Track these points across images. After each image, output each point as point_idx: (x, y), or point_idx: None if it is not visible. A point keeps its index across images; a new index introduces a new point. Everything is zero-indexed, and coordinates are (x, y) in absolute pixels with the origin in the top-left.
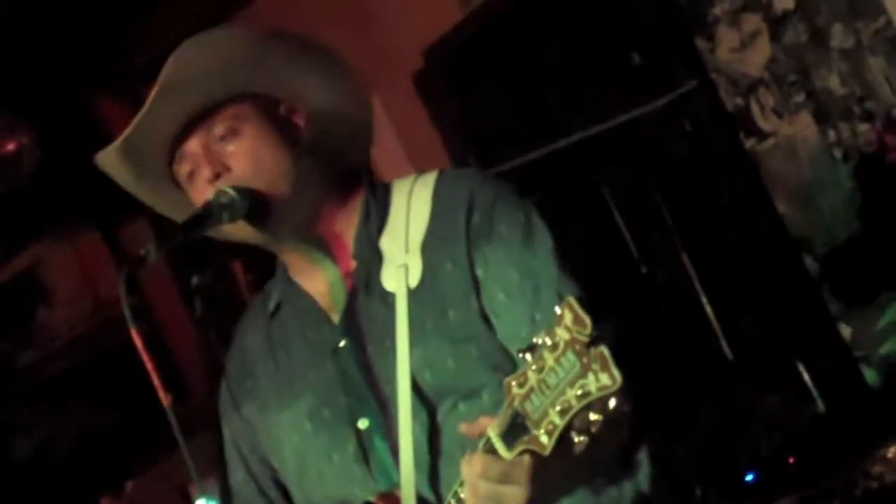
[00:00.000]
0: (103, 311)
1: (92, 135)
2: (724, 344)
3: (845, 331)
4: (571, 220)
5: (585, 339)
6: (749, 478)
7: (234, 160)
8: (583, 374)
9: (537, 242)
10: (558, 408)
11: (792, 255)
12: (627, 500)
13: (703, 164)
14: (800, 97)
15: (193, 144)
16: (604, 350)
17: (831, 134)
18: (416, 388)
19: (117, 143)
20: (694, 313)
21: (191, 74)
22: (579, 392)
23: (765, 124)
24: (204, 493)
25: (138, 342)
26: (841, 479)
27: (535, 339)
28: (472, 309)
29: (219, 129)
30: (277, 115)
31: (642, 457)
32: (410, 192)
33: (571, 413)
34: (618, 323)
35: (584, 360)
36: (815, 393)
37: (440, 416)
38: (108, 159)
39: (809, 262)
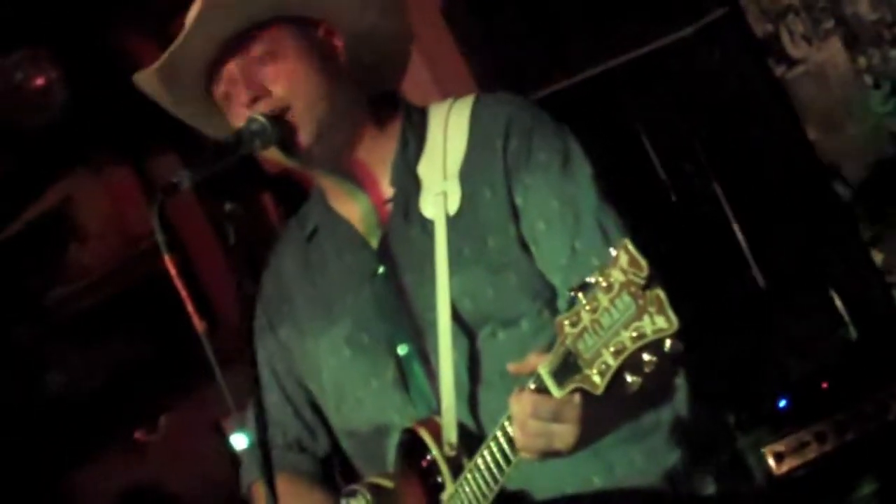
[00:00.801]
0: (134, 245)
1: (120, 69)
2: (756, 271)
3: (877, 256)
4: (600, 149)
5: (641, 282)
6: (782, 404)
7: (273, 82)
8: (638, 317)
9: (576, 169)
10: (612, 349)
11: (823, 182)
12: (665, 424)
13: (732, 92)
14: (829, 23)
15: (231, 66)
16: (660, 293)
17: (861, 60)
18: (456, 316)
19: (156, 65)
20: (726, 241)
21: (216, 8)
22: (634, 334)
23: (794, 51)
24: (239, 427)
25: (172, 270)
26: (873, 403)
27: (587, 279)
28: (511, 236)
29: (257, 50)
30: (316, 37)
31: (680, 382)
32: (447, 118)
33: (626, 354)
34: (649, 250)
35: (640, 302)
36: (847, 318)
37: (479, 343)
38: (147, 81)
39: (840, 189)
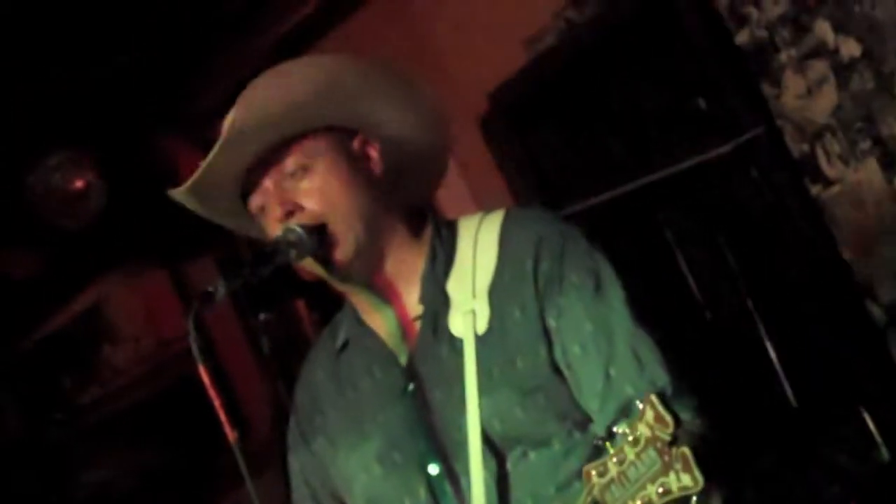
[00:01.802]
0: (166, 350)
1: (158, 173)
2: (788, 389)
3: None
4: (636, 264)
5: (667, 438)
6: None
7: (306, 198)
8: (664, 472)
9: (609, 292)
10: (639, 502)
11: (856, 302)
12: None
13: (768, 210)
14: (866, 144)
15: (265, 180)
16: (686, 451)
17: None
18: (486, 437)
19: (188, 183)
20: (758, 358)
21: (260, 116)
22: (660, 489)
23: (830, 171)
24: None
25: (206, 378)
26: None
27: (615, 428)
28: (541, 358)
29: (290, 165)
30: (351, 148)
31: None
32: (476, 233)
33: None
34: (682, 365)
35: (666, 458)
36: (879, 440)
37: (510, 465)
38: (182, 197)
39: (874, 310)
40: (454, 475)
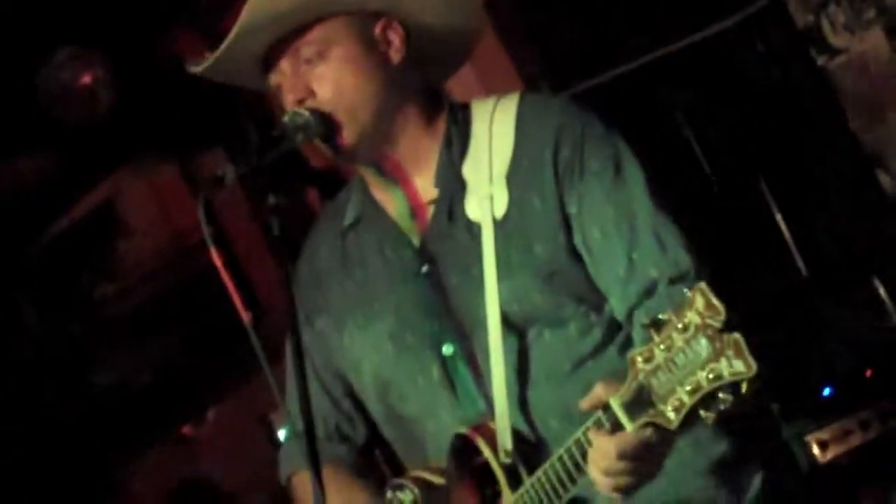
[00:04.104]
0: (180, 241)
1: (166, 68)
2: (799, 261)
3: None
4: (644, 141)
5: (718, 325)
6: (826, 392)
7: (319, 84)
8: (715, 358)
9: (630, 177)
10: (688, 387)
11: (866, 171)
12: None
13: (774, 83)
14: (870, 13)
15: (282, 61)
16: (738, 338)
17: None
18: (503, 318)
19: (205, 65)
20: (769, 231)
21: (274, 9)
22: (711, 375)
23: (836, 41)
24: (287, 422)
25: (218, 262)
26: None
27: (661, 315)
28: (560, 244)
29: (306, 51)
30: (371, 33)
31: None
32: (492, 118)
33: (702, 393)
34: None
35: (717, 344)
36: (891, 307)
37: (527, 343)
38: (202, 72)
39: (883, 178)
40: (469, 355)
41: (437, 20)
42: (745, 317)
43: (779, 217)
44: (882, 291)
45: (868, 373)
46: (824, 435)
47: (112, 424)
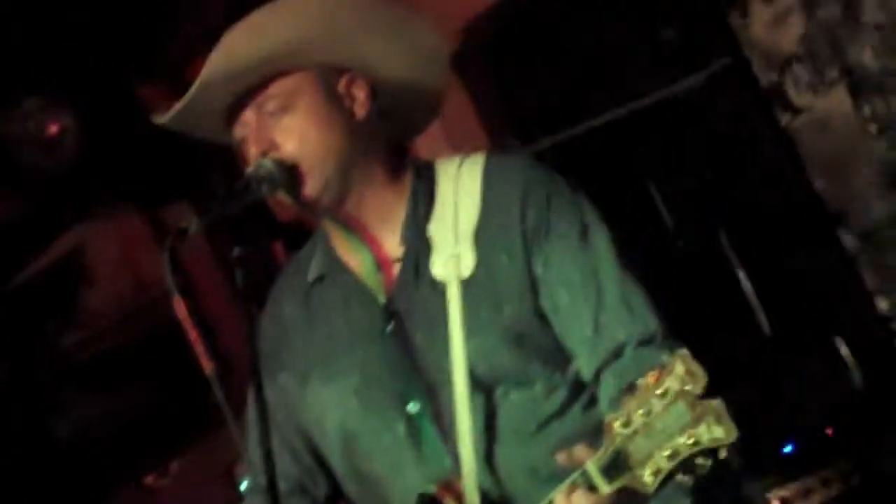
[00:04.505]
0: (145, 292)
1: (133, 116)
2: (761, 319)
3: (882, 304)
4: (607, 197)
5: (699, 392)
6: (787, 449)
7: (282, 136)
8: (694, 424)
9: (596, 239)
10: (666, 452)
11: (828, 230)
12: None
13: (738, 140)
14: (833, 72)
15: (247, 114)
16: (718, 403)
17: (866, 109)
18: (470, 377)
19: (168, 115)
20: (731, 288)
21: (239, 62)
22: (690, 441)
23: (799, 100)
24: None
25: (181, 312)
26: (878, 449)
27: (639, 381)
28: (528, 305)
29: (270, 104)
30: (335, 88)
31: None
32: (458, 177)
33: (680, 458)
34: (655, 296)
35: (697, 410)
36: (852, 365)
37: (493, 402)
38: (166, 123)
39: (845, 237)
40: (435, 413)
41: (403, 76)
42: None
43: (741, 274)
44: (843, 349)
45: (829, 431)
46: (786, 492)
47: (74, 473)
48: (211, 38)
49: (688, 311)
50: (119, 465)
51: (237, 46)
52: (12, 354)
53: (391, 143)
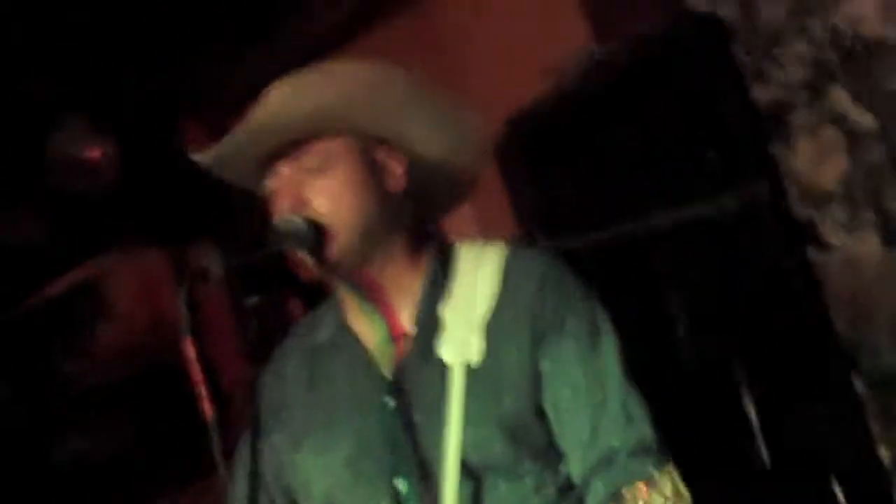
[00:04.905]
0: (158, 329)
1: (172, 152)
2: (763, 450)
3: (885, 454)
4: (627, 305)
5: None
6: None
7: (315, 196)
8: None
9: (605, 344)
10: None
11: (841, 371)
12: None
13: (764, 270)
14: (869, 216)
15: (283, 168)
16: None
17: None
18: (462, 463)
19: (208, 154)
20: (736, 413)
21: (284, 116)
22: None
23: (832, 238)
24: None
25: (190, 352)
26: None
27: (625, 491)
28: (529, 400)
29: (309, 161)
30: (374, 158)
31: None
32: (478, 264)
33: None
34: (657, 409)
35: None
36: None
37: (481, 491)
38: (203, 160)
39: (858, 383)
40: (422, 493)
41: (439, 157)
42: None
43: (748, 401)
44: (840, 495)
45: None
46: None
47: (65, 499)
48: (257, 90)
49: (689, 429)
50: (106, 497)
51: (283, 102)
52: (16, 376)
53: (417, 220)
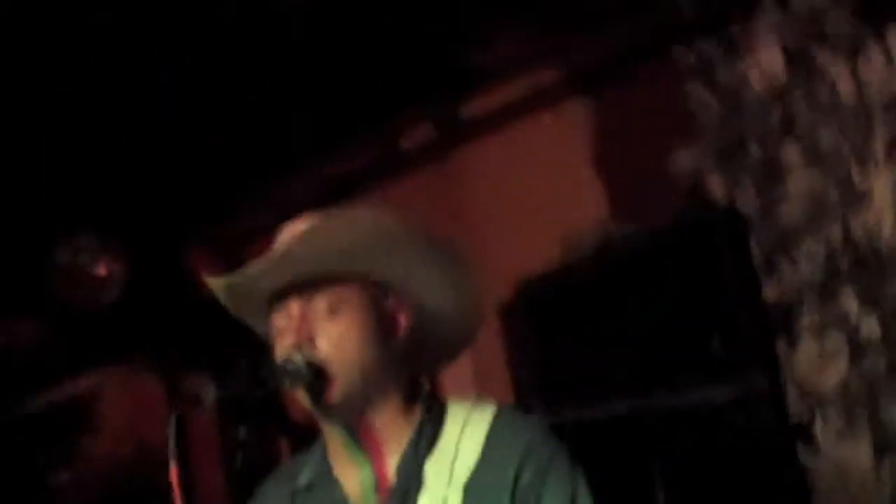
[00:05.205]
0: (145, 451)
1: (178, 282)
2: None
3: None
4: (613, 482)
5: None
6: None
7: (322, 338)
8: None
9: None
10: None
11: None
12: None
13: (754, 466)
14: (863, 425)
15: (293, 306)
16: None
17: (885, 466)
18: None
19: (225, 281)
20: None
21: (297, 260)
22: None
23: (824, 442)
24: None
25: (174, 480)
26: None
27: None
28: None
29: (320, 303)
30: (382, 306)
31: None
32: (465, 423)
33: None
34: None
35: None
36: None
37: None
38: (217, 287)
39: None
40: None
41: (442, 309)
42: None
43: None
44: None
45: None
46: None
47: None
48: (269, 227)
49: None
50: None
51: (309, 237)
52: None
53: (413, 371)
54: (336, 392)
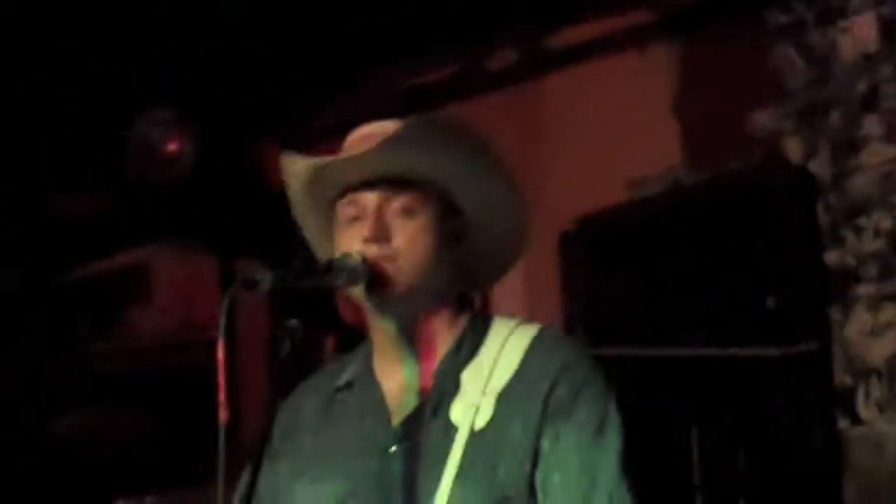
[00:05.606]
0: (190, 329)
1: (245, 171)
2: None
3: None
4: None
5: None
6: None
7: (398, 236)
8: None
9: (608, 439)
10: None
11: None
12: None
13: (791, 427)
14: None
15: (372, 199)
16: None
17: None
18: None
19: (311, 162)
20: None
21: (403, 151)
22: None
23: (864, 412)
24: None
25: (220, 354)
26: None
27: None
28: (522, 473)
29: (400, 202)
30: (450, 222)
31: None
32: (507, 337)
33: None
34: None
35: None
36: None
37: None
38: (293, 166)
39: None
40: None
41: (493, 238)
42: None
43: None
44: None
45: None
46: None
47: (55, 478)
48: (344, 129)
49: None
50: (98, 478)
51: (406, 137)
52: (41, 343)
53: (462, 284)
54: (400, 287)
